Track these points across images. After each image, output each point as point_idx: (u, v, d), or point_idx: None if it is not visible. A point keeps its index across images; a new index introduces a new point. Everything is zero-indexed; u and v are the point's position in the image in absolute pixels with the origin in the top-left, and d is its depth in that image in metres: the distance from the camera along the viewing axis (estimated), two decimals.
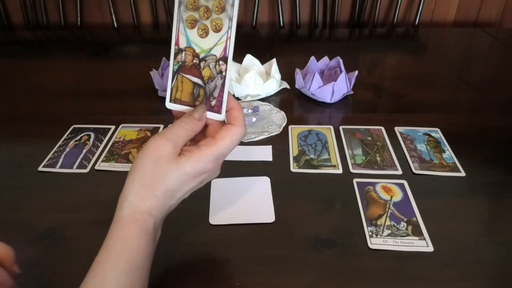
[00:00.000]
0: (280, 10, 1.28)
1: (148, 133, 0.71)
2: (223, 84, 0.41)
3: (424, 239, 0.50)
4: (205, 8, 0.40)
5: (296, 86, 0.81)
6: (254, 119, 0.72)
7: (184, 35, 0.41)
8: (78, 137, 0.70)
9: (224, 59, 0.40)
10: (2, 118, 0.77)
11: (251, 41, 1.17)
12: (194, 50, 0.41)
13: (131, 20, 1.32)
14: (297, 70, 0.81)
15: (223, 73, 0.41)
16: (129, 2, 1.28)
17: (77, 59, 1.04)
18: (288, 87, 0.84)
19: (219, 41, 0.40)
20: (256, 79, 0.79)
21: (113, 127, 0.72)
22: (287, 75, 0.85)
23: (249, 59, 0.85)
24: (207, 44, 0.41)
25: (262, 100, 0.80)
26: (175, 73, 0.42)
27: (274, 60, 0.84)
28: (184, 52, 0.41)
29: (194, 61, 0.41)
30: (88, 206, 0.55)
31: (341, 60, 0.81)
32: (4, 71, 0.97)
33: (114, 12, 1.29)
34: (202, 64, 0.41)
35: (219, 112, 0.42)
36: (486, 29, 1.21)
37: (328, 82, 0.76)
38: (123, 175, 0.40)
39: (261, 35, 1.23)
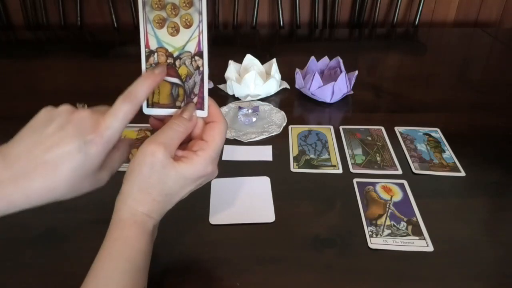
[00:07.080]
0: (280, 10, 1.27)
1: (148, 133, 0.70)
2: (202, 80, 0.40)
3: (424, 239, 0.50)
4: (171, 5, 0.39)
5: (296, 86, 0.81)
6: (254, 119, 0.72)
7: (153, 36, 0.40)
8: None
9: (200, 53, 0.40)
10: (2, 118, 0.77)
11: (251, 41, 1.17)
12: (166, 50, 0.40)
13: (131, 20, 1.32)
14: (297, 70, 0.81)
15: (201, 68, 0.40)
16: (129, 2, 1.28)
17: (77, 59, 1.04)
18: (288, 87, 0.84)
19: (191, 36, 0.39)
20: (256, 79, 0.79)
21: None
22: (287, 75, 0.85)
23: (249, 59, 0.84)
24: (180, 42, 0.40)
25: (262, 100, 0.80)
26: None
27: (274, 60, 0.83)
28: (156, 54, 0.40)
29: (169, 61, 0.40)
30: (88, 206, 0.55)
31: (341, 60, 0.81)
32: (4, 71, 0.97)
33: (114, 12, 1.29)
34: (177, 63, 0.40)
35: (201, 108, 0.41)
36: (486, 29, 1.21)
37: (328, 82, 0.76)
38: (124, 175, 0.39)
39: (261, 35, 1.23)
